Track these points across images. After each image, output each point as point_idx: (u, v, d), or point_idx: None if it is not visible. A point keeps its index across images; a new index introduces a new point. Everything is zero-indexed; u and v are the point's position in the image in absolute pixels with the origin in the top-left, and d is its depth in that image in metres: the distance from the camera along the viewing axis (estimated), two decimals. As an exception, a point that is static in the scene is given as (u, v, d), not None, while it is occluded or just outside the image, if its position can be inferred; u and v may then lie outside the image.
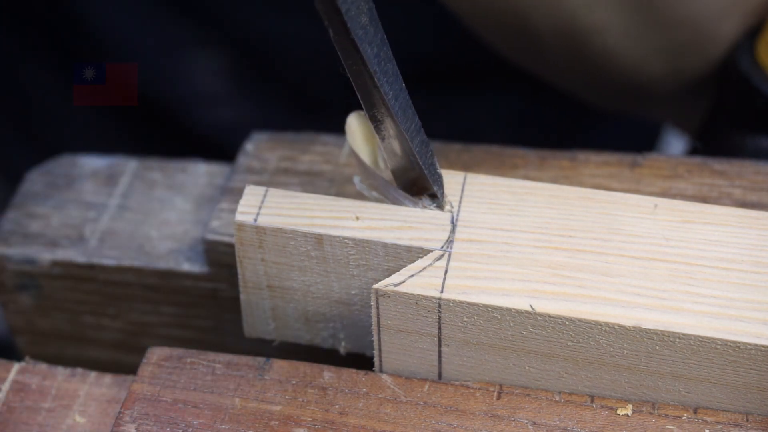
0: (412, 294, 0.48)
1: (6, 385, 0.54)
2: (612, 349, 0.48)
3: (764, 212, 0.52)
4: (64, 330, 0.64)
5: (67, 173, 0.64)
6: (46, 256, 0.60)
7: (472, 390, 0.50)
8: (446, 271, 0.49)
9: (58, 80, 0.92)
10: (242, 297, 0.54)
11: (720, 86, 0.70)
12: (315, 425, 0.49)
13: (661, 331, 0.47)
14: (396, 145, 0.50)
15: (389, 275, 0.49)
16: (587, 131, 0.94)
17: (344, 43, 0.47)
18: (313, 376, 0.51)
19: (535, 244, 0.50)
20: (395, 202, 0.52)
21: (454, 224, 0.51)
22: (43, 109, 0.95)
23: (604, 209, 0.52)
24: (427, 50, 0.85)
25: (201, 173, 0.64)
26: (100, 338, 0.64)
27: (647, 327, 0.47)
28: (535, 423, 0.49)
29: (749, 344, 0.46)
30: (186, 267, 0.59)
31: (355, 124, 0.53)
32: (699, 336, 0.47)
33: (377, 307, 0.49)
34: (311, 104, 0.89)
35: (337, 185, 0.60)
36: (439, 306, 0.48)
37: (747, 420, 0.49)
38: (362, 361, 0.53)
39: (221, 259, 0.58)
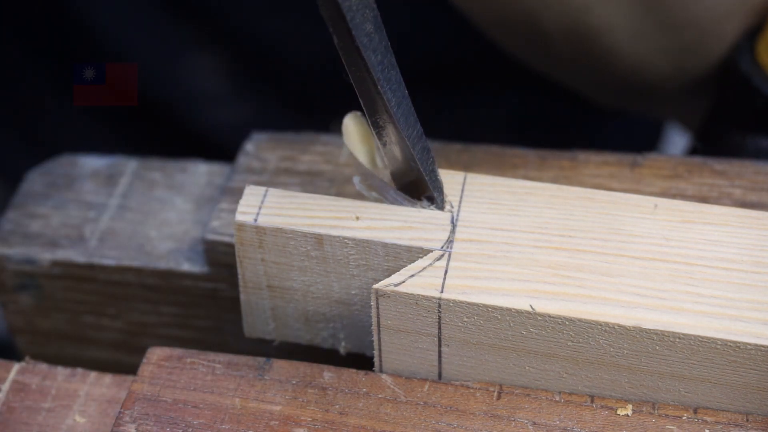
0: (412, 294, 0.48)
1: (6, 385, 0.54)
2: (612, 349, 0.48)
3: (764, 212, 0.52)
4: (64, 330, 0.64)
5: (67, 173, 0.64)
6: (46, 256, 0.60)
7: (472, 390, 0.50)
8: (446, 271, 0.49)
9: (58, 81, 0.92)
10: (242, 297, 0.54)
11: (720, 86, 0.70)
12: (315, 425, 0.49)
13: (661, 331, 0.47)
14: (397, 151, 0.50)
15: (389, 275, 0.49)
16: (587, 131, 0.94)
17: (349, 50, 0.47)
18: (313, 376, 0.51)
19: (535, 244, 0.50)
20: (394, 203, 0.52)
21: (454, 224, 0.51)
22: (43, 110, 0.95)
23: (604, 209, 0.52)
24: (427, 50, 0.85)
25: (201, 173, 0.64)
26: (100, 338, 0.64)
27: (647, 327, 0.47)
28: (535, 423, 0.49)
29: (749, 344, 0.46)
30: (186, 267, 0.59)
31: (351, 125, 0.53)
32: (699, 336, 0.47)
33: (377, 307, 0.49)
34: (311, 105, 0.89)
35: (337, 185, 0.60)
36: (439, 306, 0.48)
37: (747, 420, 0.49)
38: (362, 361, 0.53)
39: (221, 259, 0.58)
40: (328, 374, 0.51)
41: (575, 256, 0.49)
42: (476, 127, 0.90)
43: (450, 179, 0.52)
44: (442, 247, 0.50)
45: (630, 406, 0.49)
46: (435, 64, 0.86)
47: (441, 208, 0.52)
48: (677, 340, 0.47)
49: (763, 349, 0.46)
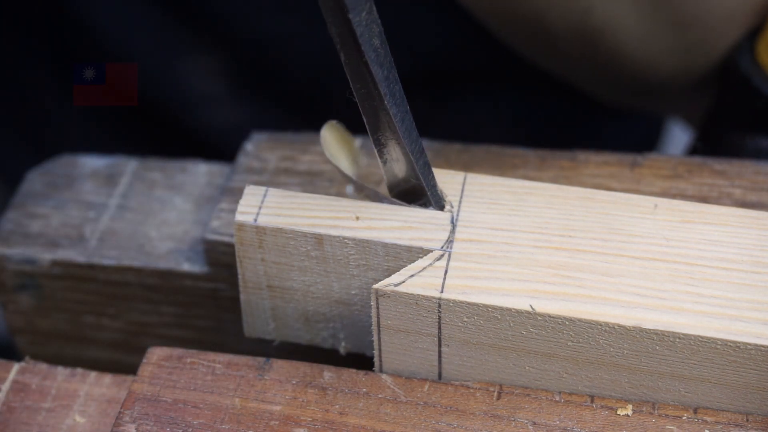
0: (412, 294, 0.48)
1: (6, 385, 0.54)
2: (612, 349, 0.48)
3: (764, 212, 0.52)
4: (64, 330, 0.64)
5: (67, 173, 0.64)
6: (46, 256, 0.60)
7: (472, 390, 0.50)
8: (446, 271, 0.49)
9: (58, 81, 0.92)
10: (242, 297, 0.54)
11: (720, 86, 0.70)
12: (315, 425, 0.49)
13: (661, 331, 0.47)
14: (398, 168, 0.51)
15: (389, 275, 0.49)
16: (587, 131, 0.94)
17: (356, 66, 0.47)
18: (313, 376, 0.51)
19: (535, 244, 0.50)
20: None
21: (454, 224, 0.51)
22: (43, 110, 0.95)
23: (604, 209, 0.52)
24: (427, 50, 0.85)
25: (201, 173, 0.64)
26: (100, 338, 0.64)
27: (647, 327, 0.47)
28: (535, 423, 0.49)
29: (749, 344, 0.46)
30: (186, 267, 0.59)
31: (327, 135, 0.53)
32: (699, 336, 0.47)
33: (377, 307, 0.49)
34: (311, 105, 0.89)
35: (337, 185, 0.60)
36: (439, 306, 0.48)
37: (747, 420, 0.49)
38: (362, 361, 0.53)
39: (221, 259, 0.58)
40: (328, 374, 0.51)
41: (575, 256, 0.49)
42: (476, 127, 0.90)
43: (450, 179, 0.52)
44: (442, 247, 0.50)
45: (630, 406, 0.49)
46: (435, 64, 0.86)
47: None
48: (677, 340, 0.47)
49: (763, 349, 0.46)
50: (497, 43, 0.77)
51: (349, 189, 0.54)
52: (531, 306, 0.48)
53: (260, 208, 0.51)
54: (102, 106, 0.91)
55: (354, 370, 0.51)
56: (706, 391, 0.49)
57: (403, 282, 0.49)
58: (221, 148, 0.80)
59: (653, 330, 0.47)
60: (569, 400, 0.50)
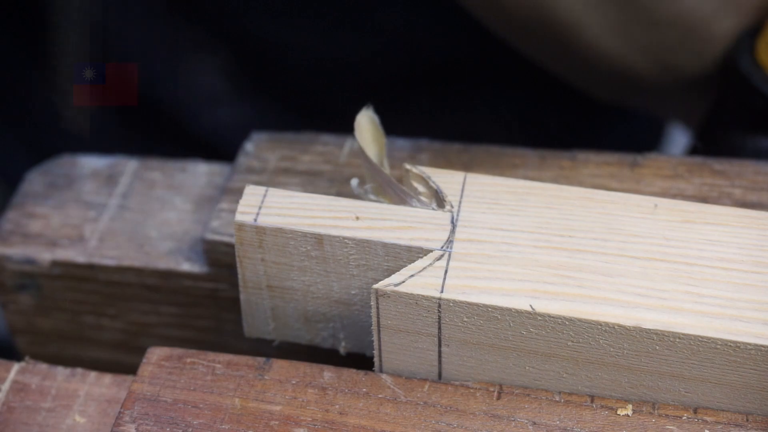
0: (412, 294, 0.48)
1: (6, 385, 0.54)
2: (612, 349, 0.48)
3: (764, 212, 0.52)
4: (64, 330, 0.64)
5: (67, 173, 0.64)
6: (46, 256, 0.60)
7: (472, 390, 0.50)
8: (446, 271, 0.49)
9: (58, 80, 0.92)
10: (242, 297, 0.54)
11: (720, 86, 0.70)
12: (315, 425, 0.49)
13: (661, 331, 0.47)
14: None
15: (389, 275, 0.49)
16: (587, 131, 0.94)
17: None
18: (313, 376, 0.51)
19: (535, 244, 0.50)
20: (398, 199, 0.52)
21: (454, 224, 0.51)
22: (43, 110, 0.95)
23: (604, 209, 0.52)
24: (427, 50, 0.85)
25: (201, 173, 0.64)
26: (100, 338, 0.64)
27: (647, 327, 0.47)
28: (535, 423, 0.49)
29: (749, 344, 0.46)
30: (186, 267, 0.59)
31: (364, 122, 0.53)
32: (699, 336, 0.47)
33: (377, 307, 0.49)
34: (311, 105, 0.89)
35: (337, 185, 0.60)
36: (439, 306, 0.48)
37: (747, 420, 0.49)
38: (362, 361, 0.53)
39: (221, 259, 0.58)
40: (328, 374, 0.51)
41: (575, 256, 0.49)
42: (476, 127, 0.90)
43: (450, 179, 0.52)
44: (442, 247, 0.50)
45: (630, 406, 0.49)
46: (435, 64, 0.86)
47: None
48: (677, 340, 0.47)
49: (763, 349, 0.46)
50: (497, 43, 0.77)
51: (354, 182, 0.53)
52: (531, 306, 0.48)
53: (260, 208, 0.51)
54: (102, 106, 0.91)
55: (354, 370, 0.51)
56: (706, 391, 0.49)
57: (403, 282, 0.49)
58: (222, 147, 0.80)
59: (653, 330, 0.47)
60: (569, 400, 0.50)
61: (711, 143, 0.70)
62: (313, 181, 0.60)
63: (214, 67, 0.89)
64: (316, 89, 0.88)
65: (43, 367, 0.55)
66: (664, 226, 0.51)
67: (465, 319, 0.48)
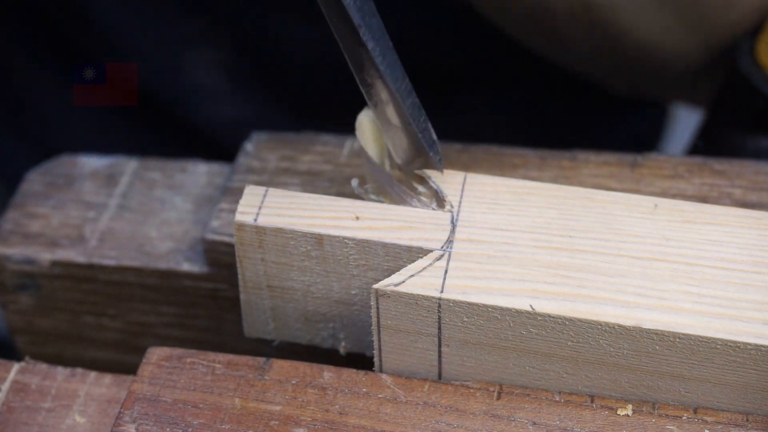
0: (412, 294, 0.48)
1: (6, 385, 0.54)
2: (612, 349, 0.48)
3: (764, 212, 0.52)
4: (64, 330, 0.64)
5: (67, 173, 0.64)
6: (46, 256, 0.60)
7: (472, 390, 0.50)
8: (446, 271, 0.49)
9: (58, 79, 0.92)
10: (242, 297, 0.54)
11: (720, 86, 0.70)
12: (315, 425, 0.49)
13: (661, 331, 0.47)
14: (390, 111, 0.49)
15: (389, 275, 0.49)
16: (587, 131, 0.94)
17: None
18: (313, 376, 0.51)
19: (535, 244, 0.50)
20: (399, 199, 0.52)
21: (454, 224, 0.51)
22: (43, 109, 0.95)
23: (604, 209, 0.52)
24: (427, 50, 0.85)
25: (201, 173, 0.64)
26: (100, 338, 0.64)
27: (647, 327, 0.47)
28: (535, 423, 0.49)
29: (749, 344, 0.46)
30: (186, 267, 0.59)
31: (365, 121, 0.53)
32: (699, 336, 0.47)
33: (377, 307, 0.49)
34: (312, 103, 0.89)
35: (337, 185, 0.60)
36: (439, 306, 0.48)
37: (747, 420, 0.49)
38: (362, 361, 0.53)
39: (221, 259, 0.58)
40: (328, 374, 0.51)
41: (575, 256, 0.49)
42: (476, 127, 0.90)
43: (450, 179, 0.52)
44: (442, 247, 0.50)
45: (630, 406, 0.49)
46: (435, 64, 0.86)
47: (440, 170, 0.51)
48: (677, 340, 0.47)
49: (763, 349, 0.46)
50: (497, 43, 0.77)
51: (355, 182, 0.53)
52: (531, 306, 0.48)
53: (260, 208, 0.51)
54: (102, 105, 0.91)
55: (354, 370, 0.51)
56: (706, 391, 0.49)
57: (403, 282, 0.49)
58: (223, 144, 0.80)
59: (653, 330, 0.47)
60: (569, 400, 0.50)
61: (711, 143, 0.70)
62: (313, 181, 0.60)
63: (215, 64, 0.89)
64: (318, 88, 0.88)
65: (43, 367, 0.55)
66: (664, 226, 0.51)
67: (465, 319, 0.48)
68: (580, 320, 0.47)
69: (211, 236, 0.58)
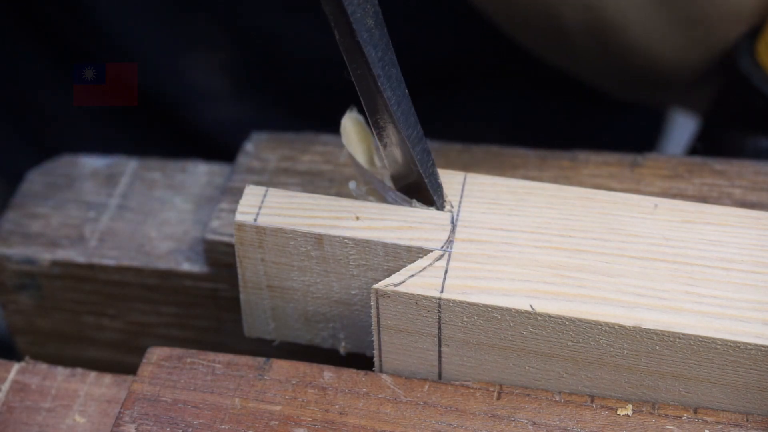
0: (412, 294, 0.48)
1: (6, 385, 0.54)
2: (612, 349, 0.48)
3: (764, 212, 0.52)
4: (64, 330, 0.64)
5: (67, 173, 0.64)
6: (46, 256, 0.60)
7: (472, 390, 0.50)
8: (446, 271, 0.49)
9: (58, 79, 0.92)
10: (242, 297, 0.54)
11: (720, 86, 0.70)
12: (315, 425, 0.49)
13: (661, 331, 0.47)
14: (397, 153, 0.50)
15: (389, 275, 0.49)
16: (587, 131, 0.94)
17: (349, 46, 0.47)
18: (313, 376, 0.51)
19: (535, 244, 0.50)
20: (393, 203, 0.52)
21: (454, 224, 0.51)
22: (44, 109, 0.95)
23: (604, 209, 0.52)
24: (427, 50, 0.85)
25: (201, 173, 0.64)
26: (100, 338, 0.64)
27: (647, 327, 0.47)
28: (535, 423, 0.49)
29: (749, 344, 0.46)
30: (186, 267, 0.59)
31: (349, 124, 0.53)
32: (699, 336, 0.47)
33: (377, 307, 0.49)
34: (312, 104, 0.89)
35: (337, 185, 0.60)
36: (439, 306, 0.48)
37: (747, 420, 0.49)
38: (362, 361, 0.53)
39: (221, 259, 0.58)
40: (328, 374, 0.51)
41: (575, 256, 0.49)
42: (476, 127, 0.90)
43: (450, 179, 0.52)
44: (442, 247, 0.50)
45: (630, 406, 0.49)
46: (435, 64, 0.86)
47: (441, 209, 0.52)
48: (677, 340, 0.47)
49: (763, 349, 0.46)
50: (498, 43, 0.77)
51: (352, 184, 0.53)
52: (531, 306, 0.48)
53: (260, 208, 0.51)
54: (102, 105, 0.91)
55: (354, 370, 0.51)
56: (706, 391, 0.49)
57: (403, 282, 0.49)
58: (223, 144, 0.80)
59: (653, 330, 0.47)
60: (569, 400, 0.50)
61: (711, 143, 0.70)
62: (313, 181, 0.60)
63: (215, 65, 0.89)
64: (318, 89, 0.88)
65: (43, 367, 0.55)
66: (664, 226, 0.51)
67: (465, 319, 0.48)
68: (580, 320, 0.47)
69: (211, 236, 0.58)
